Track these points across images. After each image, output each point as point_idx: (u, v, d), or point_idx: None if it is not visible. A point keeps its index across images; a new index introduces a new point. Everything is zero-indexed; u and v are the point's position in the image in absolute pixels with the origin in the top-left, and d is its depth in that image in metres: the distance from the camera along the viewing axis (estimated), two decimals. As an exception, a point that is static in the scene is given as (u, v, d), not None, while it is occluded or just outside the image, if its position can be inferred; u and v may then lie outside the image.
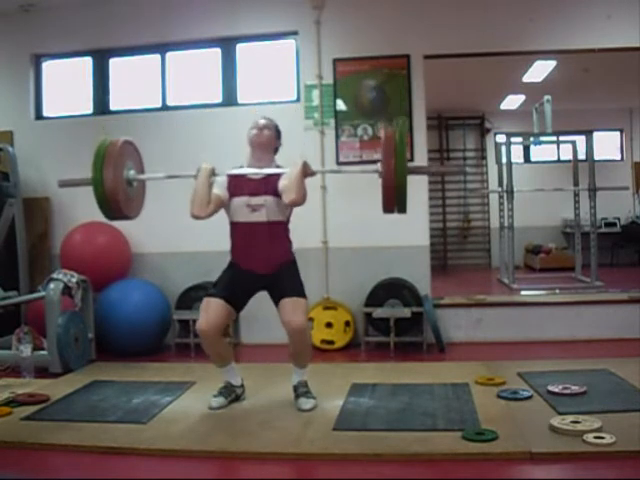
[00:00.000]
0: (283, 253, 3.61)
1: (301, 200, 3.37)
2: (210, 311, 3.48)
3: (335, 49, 5.50)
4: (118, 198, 3.42)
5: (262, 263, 3.52)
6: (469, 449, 2.75)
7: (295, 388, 3.55)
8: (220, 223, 5.75)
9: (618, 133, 10.71)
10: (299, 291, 3.51)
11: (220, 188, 3.54)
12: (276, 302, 3.50)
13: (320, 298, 5.47)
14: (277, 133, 3.67)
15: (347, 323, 5.36)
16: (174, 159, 5.71)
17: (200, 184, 3.52)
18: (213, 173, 3.53)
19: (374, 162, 5.44)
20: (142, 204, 3.75)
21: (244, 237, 3.53)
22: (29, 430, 3.16)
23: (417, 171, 3.53)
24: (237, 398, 3.61)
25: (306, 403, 3.43)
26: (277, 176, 3.48)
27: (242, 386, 3.67)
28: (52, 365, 4.45)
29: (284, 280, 3.53)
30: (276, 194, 3.46)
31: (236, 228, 3.57)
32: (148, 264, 5.68)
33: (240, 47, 5.74)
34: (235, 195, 3.53)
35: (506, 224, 7.45)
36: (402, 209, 3.33)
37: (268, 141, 3.60)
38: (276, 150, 3.68)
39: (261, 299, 5.86)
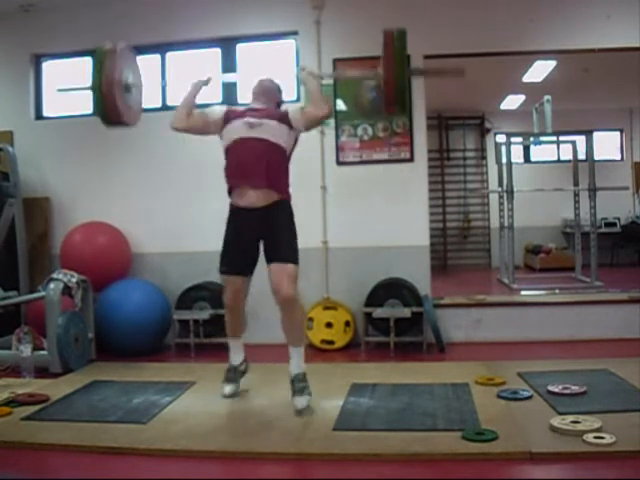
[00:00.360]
0: (282, 186, 3.53)
1: (331, 110, 3.51)
2: (231, 287, 3.60)
3: (335, 49, 5.50)
4: (116, 102, 3.37)
5: (258, 176, 3.38)
6: (469, 449, 2.75)
7: (292, 382, 3.45)
8: (220, 223, 5.76)
9: (618, 133, 10.71)
10: (292, 255, 3.49)
11: (214, 113, 3.56)
12: (268, 258, 3.50)
13: (320, 298, 5.47)
14: (278, 88, 3.70)
15: (347, 323, 5.36)
16: (174, 159, 5.73)
17: (187, 94, 3.57)
18: (205, 83, 3.56)
19: (373, 162, 5.51)
20: (140, 113, 3.74)
21: (241, 153, 3.44)
22: (29, 430, 3.16)
23: (415, 72, 3.60)
24: (243, 374, 3.81)
25: (301, 401, 3.36)
26: (280, 112, 3.53)
27: (245, 361, 3.84)
28: (52, 365, 4.45)
29: (280, 235, 3.48)
30: (279, 120, 3.46)
31: (231, 146, 3.48)
32: (148, 264, 5.68)
33: (240, 47, 5.75)
34: (234, 119, 3.50)
35: (506, 224, 7.45)
36: (402, 109, 3.37)
37: (268, 90, 3.63)
38: (278, 105, 3.67)
39: (261, 299, 5.87)
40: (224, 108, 3.64)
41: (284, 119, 3.50)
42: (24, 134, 5.87)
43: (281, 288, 3.39)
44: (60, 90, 3.89)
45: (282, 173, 3.54)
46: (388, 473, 2.66)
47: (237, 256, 3.56)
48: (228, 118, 3.53)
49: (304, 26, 5.55)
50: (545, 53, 6.09)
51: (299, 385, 3.44)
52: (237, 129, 3.47)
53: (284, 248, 3.48)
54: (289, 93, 5.63)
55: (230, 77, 4.67)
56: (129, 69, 3.58)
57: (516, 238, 7.52)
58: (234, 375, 3.76)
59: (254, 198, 3.43)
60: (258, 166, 3.39)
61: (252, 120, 3.45)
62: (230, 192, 3.54)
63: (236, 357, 3.81)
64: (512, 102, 9.68)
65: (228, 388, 3.70)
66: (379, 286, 5.30)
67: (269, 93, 3.65)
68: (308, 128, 3.58)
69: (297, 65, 3.68)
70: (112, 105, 3.39)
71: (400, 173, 5.48)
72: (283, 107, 3.66)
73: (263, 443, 2.94)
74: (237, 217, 3.54)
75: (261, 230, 3.48)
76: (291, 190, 3.62)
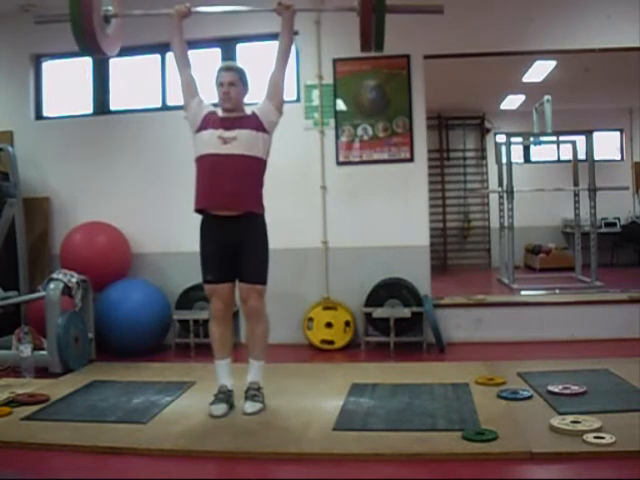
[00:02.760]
0: (255, 198, 3.43)
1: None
2: (217, 297, 3.47)
3: (335, 49, 5.50)
4: (94, 32, 3.32)
5: (231, 199, 3.32)
6: (469, 449, 2.75)
7: (247, 390, 3.42)
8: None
9: (618, 133, 10.71)
10: (262, 277, 3.44)
11: (195, 100, 3.48)
12: (239, 272, 3.43)
13: (320, 298, 5.47)
14: (244, 82, 3.46)
15: (347, 323, 5.36)
16: (174, 159, 5.72)
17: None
18: (186, 14, 3.58)
19: (373, 162, 5.51)
20: (119, 43, 3.68)
21: (212, 171, 3.32)
22: (29, 430, 3.16)
23: (394, 10, 3.45)
24: (232, 405, 3.43)
25: (251, 406, 3.34)
26: (253, 116, 3.40)
27: (231, 390, 3.49)
28: (52, 365, 4.45)
29: (254, 253, 3.41)
30: (254, 128, 3.35)
31: (204, 161, 3.35)
32: (148, 264, 5.68)
33: (240, 47, 5.75)
34: (205, 128, 3.37)
35: (506, 224, 7.45)
36: (379, 46, 3.23)
37: (237, 99, 3.43)
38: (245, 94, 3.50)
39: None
40: (206, 108, 3.48)
41: (259, 125, 3.39)
42: (24, 134, 5.87)
43: (249, 299, 3.42)
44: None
45: (257, 185, 3.46)
46: (388, 473, 2.66)
47: (218, 263, 3.46)
48: (204, 122, 3.41)
49: (304, 26, 5.54)
50: (545, 53, 6.09)
51: (251, 392, 3.41)
52: (209, 142, 3.35)
53: (255, 269, 3.44)
54: (289, 93, 5.65)
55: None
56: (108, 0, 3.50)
57: (516, 238, 7.52)
58: (226, 396, 3.42)
59: (227, 212, 3.39)
60: (233, 185, 3.32)
61: (225, 135, 3.32)
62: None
63: (227, 379, 3.47)
64: (512, 102, 9.68)
65: (220, 408, 3.34)
66: (379, 286, 5.30)
67: (238, 102, 3.43)
68: (281, 108, 3.47)
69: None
70: (90, 34, 3.31)
71: (400, 173, 5.48)
72: (248, 110, 3.48)
73: (263, 443, 2.94)
74: (211, 236, 3.48)
75: (236, 243, 3.41)
76: (265, 203, 3.53)
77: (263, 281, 3.46)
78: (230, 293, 3.49)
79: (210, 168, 3.33)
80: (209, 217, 3.46)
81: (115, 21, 3.59)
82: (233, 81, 3.42)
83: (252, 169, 3.39)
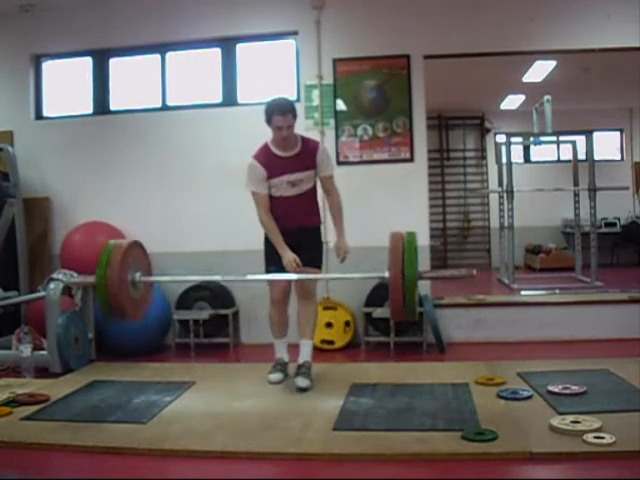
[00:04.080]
0: (316, 214, 4.08)
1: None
2: (276, 284, 3.96)
3: (335, 49, 5.51)
4: (121, 300, 3.40)
5: (301, 220, 3.95)
6: (469, 449, 2.75)
7: (299, 366, 3.87)
8: (220, 223, 5.77)
9: (618, 133, 10.71)
10: (319, 262, 4.01)
11: (261, 183, 3.84)
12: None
13: (320, 298, 5.46)
14: (296, 116, 3.84)
15: (347, 323, 5.36)
16: (174, 159, 5.74)
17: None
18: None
19: (373, 162, 5.51)
20: (147, 305, 3.77)
21: (285, 208, 3.89)
22: (29, 430, 3.16)
23: (426, 277, 3.42)
24: (286, 374, 4.01)
25: (303, 381, 3.75)
26: (310, 152, 3.89)
27: (287, 364, 4.08)
28: (52, 365, 4.45)
29: (312, 246, 3.98)
30: (310, 168, 3.90)
31: (277, 201, 3.89)
32: (148, 264, 5.67)
33: (240, 47, 5.75)
34: (275, 176, 3.83)
35: (506, 224, 7.45)
36: (411, 317, 3.22)
37: (293, 137, 3.87)
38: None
39: (261, 298, 5.86)
40: (262, 174, 3.82)
41: (315, 166, 3.93)
42: (24, 134, 5.87)
43: (305, 284, 3.97)
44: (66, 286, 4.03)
45: (317, 204, 4.10)
46: (388, 473, 2.66)
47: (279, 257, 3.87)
48: (270, 175, 3.83)
49: (304, 26, 5.55)
50: (545, 53, 6.09)
51: (304, 370, 3.85)
52: (280, 187, 3.87)
53: (315, 257, 4.02)
54: (289, 93, 5.65)
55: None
56: (137, 265, 3.60)
57: (516, 238, 7.51)
58: (282, 367, 4.02)
59: (298, 225, 3.96)
60: (302, 214, 3.97)
61: (292, 178, 3.86)
62: None
63: (285, 354, 4.10)
64: (512, 102, 9.68)
65: (276, 375, 3.94)
66: (379, 286, 5.30)
67: (292, 131, 3.82)
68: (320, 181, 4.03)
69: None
70: (116, 302, 3.41)
71: (400, 173, 5.48)
72: (299, 139, 3.91)
73: (263, 443, 2.94)
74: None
75: (299, 240, 3.90)
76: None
77: (320, 265, 4.06)
78: (288, 283, 3.97)
79: (283, 207, 3.90)
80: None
81: (143, 286, 3.67)
82: (290, 124, 3.78)
83: (313, 195, 4.04)
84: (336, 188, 4.04)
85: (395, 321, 3.33)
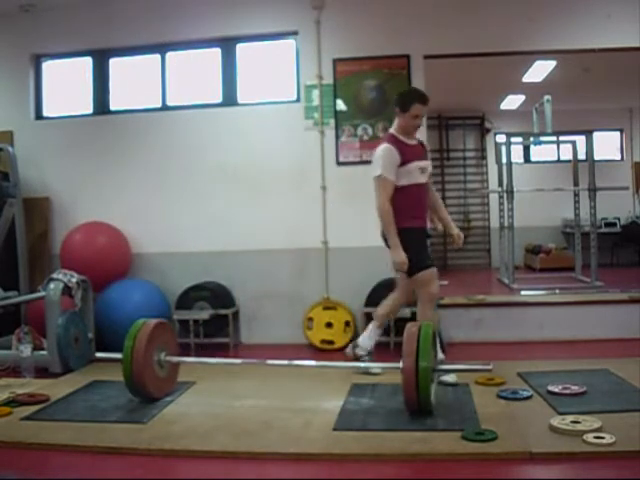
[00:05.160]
0: None
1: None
2: (436, 277, 4.02)
3: (335, 49, 5.50)
4: (145, 381, 3.48)
5: (426, 217, 4.11)
6: (469, 449, 2.75)
7: (370, 353, 4.17)
8: (220, 223, 5.76)
9: (618, 133, 10.71)
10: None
11: (393, 169, 3.92)
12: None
13: (320, 298, 5.47)
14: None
15: (347, 323, 5.36)
16: (174, 159, 5.74)
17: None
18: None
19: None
20: (174, 383, 3.80)
21: (418, 196, 3.99)
22: (29, 430, 3.16)
23: (441, 370, 3.48)
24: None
25: (452, 378, 3.77)
26: (423, 145, 4.16)
27: None
28: (52, 365, 4.45)
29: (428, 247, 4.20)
30: (427, 159, 4.11)
31: (411, 190, 3.96)
32: (148, 264, 5.68)
33: (240, 47, 5.74)
34: (409, 161, 3.93)
35: (506, 224, 7.45)
36: (426, 406, 3.17)
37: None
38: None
39: (260, 299, 5.86)
40: (396, 157, 3.92)
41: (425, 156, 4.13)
42: (24, 134, 5.87)
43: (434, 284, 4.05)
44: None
45: None
46: (388, 473, 2.66)
47: (428, 252, 4.13)
48: (405, 160, 3.93)
49: (304, 26, 5.55)
50: (545, 53, 6.09)
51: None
52: (413, 173, 3.97)
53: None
54: (289, 93, 5.66)
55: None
56: (163, 345, 3.69)
57: (516, 238, 7.51)
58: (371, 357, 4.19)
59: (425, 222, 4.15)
60: (426, 206, 4.14)
61: (422, 165, 4.01)
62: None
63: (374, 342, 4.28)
64: (512, 102, 9.67)
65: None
66: (379, 286, 5.29)
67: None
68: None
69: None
70: (140, 382, 3.49)
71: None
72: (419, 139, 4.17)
73: (263, 443, 2.94)
74: (418, 235, 4.04)
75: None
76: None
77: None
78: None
79: (416, 195, 4.00)
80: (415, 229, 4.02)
81: (169, 365, 3.73)
82: (424, 115, 4.07)
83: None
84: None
85: (409, 409, 3.24)
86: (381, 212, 3.94)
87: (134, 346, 3.49)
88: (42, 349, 4.54)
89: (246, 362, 4.13)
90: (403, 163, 3.91)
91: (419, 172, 3.97)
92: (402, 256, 3.86)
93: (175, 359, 3.77)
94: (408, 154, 3.94)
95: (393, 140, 3.98)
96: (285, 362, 3.71)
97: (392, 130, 4.06)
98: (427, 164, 4.08)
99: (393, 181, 3.91)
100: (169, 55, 5.84)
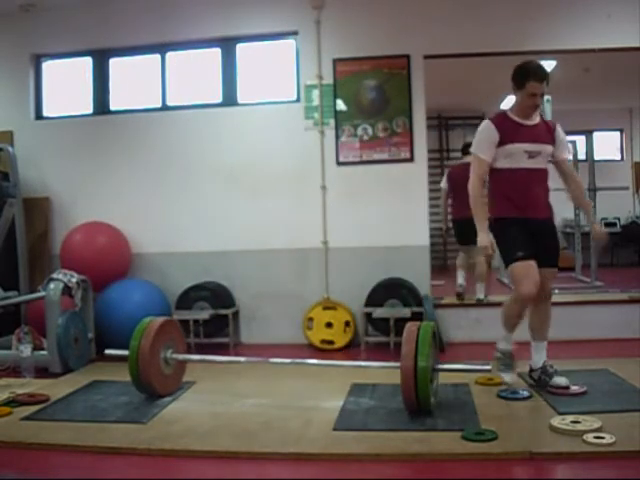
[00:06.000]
0: (551, 208, 3.67)
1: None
2: (532, 274, 3.44)
3: (335, 49, 5.51)
4: (151, 377, 3.51)
5: (541, 208, 3.60)
6: (469, 449, 2.75)
7: (544, 369, 3.60)
8: (220, 223, 5.76)
9: (618, 133, 10.71)
10: (557, 261, 3.64)
11: (489, 149, 3.53)
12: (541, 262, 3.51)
13: (320, 298, 5.47)
14: (548, 84, 3.66)
15: (347, 323, 5.36)
16: (174, 159, 5.74)
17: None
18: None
19: (373, 162, 5.51)
20: (179, 382, 3.81)
21: (522, 184, 3.52)
22: (29, 430, 3.16)
23: (440, 369, 3.44)
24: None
25: (561, 379, 3.51)
26: (550, 126, 3.62)
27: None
28: (52, 365, 4.45)
29: (552, 243, 3.64)
30: (548, 143, 3.55)
31: (512, 174, 3.53)
32: (148, 264, 5.68)
33: (240, 47, 5.74)
34: (512, 141, 3.50)
35: (506, 224, 7.43)
36: (425, 406, 3.17)
37: (540, 100, 3.62)
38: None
39: (260, 299, 5.85)
40: (494, 135, 3.52)
41: (553, 143, 3.60)
42: (24, 134, 5.87)
43: (548, 283, 3.59)
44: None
45: (549, 190, 3.70)
46: (388, 473, 2.66)
47: (529, 242, 3.50)
48: (506, 140, 3.51)
49: (304, 26, 5.55)
50: (545, 53, 6.06)
51: (555, 368, 3.62)
52: (516, 156, 3.51)
53: (555, 256, 3.65)
54: (289, 93, 5.66)
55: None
56: (170, 342, 3.71)
57: (516, 238, 7.50)
58: (512, 361, 3.71)
59: (538, 214, 3.61)
60: (540, 196, 3.62)
61: (530, 148, 3.51)
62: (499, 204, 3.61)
63: (511, 345, 3.74)
64: (512, 102, 9.65)
65: (513, 376, 3.68)
66: (379, 286, 5.30)
67: (543, 90, 3.61)
68: (556, 166, 3.69)
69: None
70: (146, 379, 3.52)
71: (400, 173, 5.48)
72: (549, 121, 3.72)
73: (263, 443, 2.94)
74: (519, 224, 3.54)
75: (539, 235, 3.56)
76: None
77: (557, 264, 3.67)
78: (536, 270, 3.47)
79: (519, 182, 3.54)
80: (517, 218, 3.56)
81: (175, 363, 3.75)
82: (544, 92, 3.57)
83: (546, 178, 3.65)
84: (576, 172, 3.71)
85: (407, 407, 3.21)
86: (471, 191, 3.55)
87: (140, 343, 3.52)
88: (42, 349, 4.54)
89: (249, 360, 4.12)
90: (503, 143, 3.50)
91: (525, 156, 3.49)
92: (485, 240, 3.48)
93: (181, 357, 3.78)
94: (512, 134, 3.50)
95: (499, 117, 3.60)
96: (288, 360, 3.71)
97: (507, 109, 3.65)
98: (542, 148, 3.54)
99: (486, 160, 3.53)
100: (169, 55, 5.84)
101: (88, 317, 4.92)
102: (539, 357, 3.66)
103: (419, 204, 5.50)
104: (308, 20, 5.52)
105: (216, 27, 5.65)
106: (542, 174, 3.61)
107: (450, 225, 6.22)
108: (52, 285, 4.64)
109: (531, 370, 3.69)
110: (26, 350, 4.31)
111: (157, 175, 5.73)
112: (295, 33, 5.62)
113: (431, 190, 5.70)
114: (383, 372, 4.20)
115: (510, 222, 3.54)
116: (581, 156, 7.82)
